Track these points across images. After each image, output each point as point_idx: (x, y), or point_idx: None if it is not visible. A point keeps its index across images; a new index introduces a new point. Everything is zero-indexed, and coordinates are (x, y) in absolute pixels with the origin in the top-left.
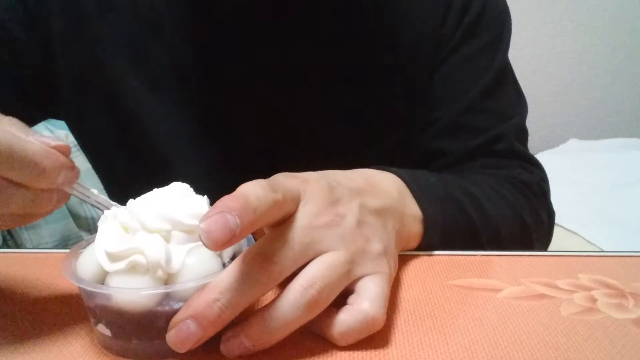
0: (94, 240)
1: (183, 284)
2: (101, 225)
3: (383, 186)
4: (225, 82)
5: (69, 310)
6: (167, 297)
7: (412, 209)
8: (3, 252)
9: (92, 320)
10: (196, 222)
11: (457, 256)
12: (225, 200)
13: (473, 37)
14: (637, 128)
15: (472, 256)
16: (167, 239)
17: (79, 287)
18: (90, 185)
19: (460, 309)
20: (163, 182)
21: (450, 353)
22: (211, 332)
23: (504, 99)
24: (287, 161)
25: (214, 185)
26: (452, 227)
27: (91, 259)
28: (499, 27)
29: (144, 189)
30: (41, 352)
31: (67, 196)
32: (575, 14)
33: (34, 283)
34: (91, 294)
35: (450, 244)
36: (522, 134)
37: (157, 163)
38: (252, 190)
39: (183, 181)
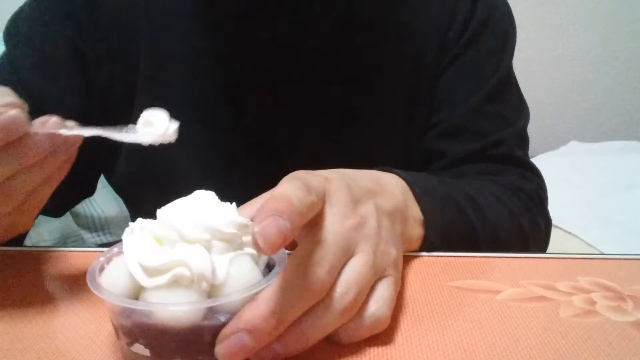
0: (114, 253)
1: (231, 296)
2: (127, 237)
3: (389, 188)
4: (227, 83)
5: (73, 309)
6: (212, 310)
7: (414, 211)
8: (2, 250)
9: (125, 341)
10: (235, 231)
11: (456, 257)
12: (273, 204)
13: (478, 43)
14: (637, 131)
15: (472, 258)
16: (208, 249)
17: (110, 305)
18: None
19: (460, 310)
20: (169, 182)
21: (449, 354)
22: (264, 345)
23: (507, 104)
24: (288, 161)
25: (215, 185)
26: (452, 230)
27: (120, 274)
28: (504, 33)
29: (151, 192)
30: None
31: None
32: (576, 16)
33: (34, 281)
34: (125, 312)
35: (449, 246)
36: (523, 140)
37: (162, 163)
38: (293, 193)
39: (186, 180)
